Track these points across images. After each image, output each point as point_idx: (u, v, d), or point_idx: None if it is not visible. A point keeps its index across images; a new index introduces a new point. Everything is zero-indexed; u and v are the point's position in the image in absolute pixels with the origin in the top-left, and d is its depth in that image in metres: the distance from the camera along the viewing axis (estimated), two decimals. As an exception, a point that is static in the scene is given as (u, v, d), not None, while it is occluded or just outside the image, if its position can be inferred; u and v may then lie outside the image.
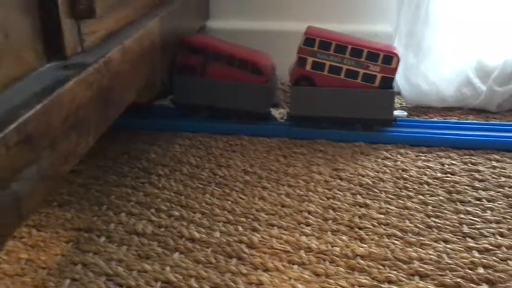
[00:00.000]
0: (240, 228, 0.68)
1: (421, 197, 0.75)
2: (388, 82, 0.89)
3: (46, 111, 0.44)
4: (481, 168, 0.82)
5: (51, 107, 0.44)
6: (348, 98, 0.90)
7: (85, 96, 0.52)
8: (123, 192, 0.77)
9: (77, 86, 0.50)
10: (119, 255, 0.63)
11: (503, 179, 0.79)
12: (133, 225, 0.69)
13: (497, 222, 0.68)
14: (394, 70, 0.89)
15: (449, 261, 0.61)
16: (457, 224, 0.68)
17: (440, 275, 0.59)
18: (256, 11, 1.18)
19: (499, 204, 0.73)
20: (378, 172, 0.82)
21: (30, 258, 0.63)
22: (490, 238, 0.65)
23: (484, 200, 0.74)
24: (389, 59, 0.89)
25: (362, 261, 0.62)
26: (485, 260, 0.61)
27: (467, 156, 0.87)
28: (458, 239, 0.65)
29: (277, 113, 0.98)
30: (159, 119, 0.99)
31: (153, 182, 0.80)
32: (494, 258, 0.61)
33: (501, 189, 0.76)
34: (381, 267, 0.60)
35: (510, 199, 0.74)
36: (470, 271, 0.59)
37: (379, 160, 0.86)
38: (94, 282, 0.59)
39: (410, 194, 0.76)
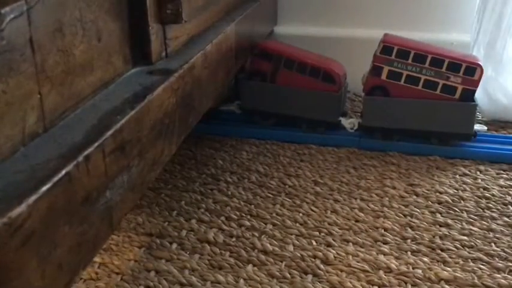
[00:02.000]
0: (314, 243, 0.66)
1: (506, 219, 0.71)
2: (469, 95, 0.85)
3: (138, 118, 0.43)
4: None
5: (142, 113, 0.44)
6: (425, 110, 0.86)
7: (170, 103, 0.51)
8: (193, 198, 0.77)
9: (163, 92, 0.49)
10: (191, 264, 0.62)
11: None
12: (204, 233, 0.68)
13: None
14: (477, 82, 0.84)
15: (543, 292, 0.57)
16: (549, 251, 0.64)
17: (534, 307, 0.55)
18: (325, 16, 1.16)
19: None
20: (457, 190, 0.78)
21: (104, 262, 0.62)
22: None
23: None
24: (472, 71, 0.84)
25: (447, 286, 0.58)
26: None
27: (554, 177, 0.81)
28: (551, 267, 0.61)
29: (347, 123, 0.95)
30: (225, 125, 0.98)
31: (221, 189, 0.79)
32: None
33: None
34: (467, 293, 0.57)
35: None
36: None
37: (457, 177, 0.82)
38: (168, 291, 0.58)
39: (494, 215, 0.72)
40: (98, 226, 0.37)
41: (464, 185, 0.79)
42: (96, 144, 0.36)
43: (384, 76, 0.88)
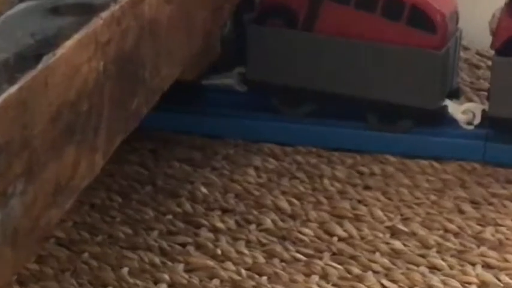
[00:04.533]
0: None
1: None
2: None
3: (23, 101, 0.44)
4: None
5: (33, 92, 0.45)
6: None
7: (93, 71, 0.52)
8: (146, 261, 0.78)
9: (79, 50, 0.50)
10: None
11: None
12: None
13: None
14: None
15: None
16: None
17: None
18: None
19: None
20: None
21: None
22: None
23: None
24: None
25: None
26: None
27: None
28: None
29: (461, 111, 0.96)
30: (214, 115, 1.00)
31: (202, 244, 0.80)
32: None
33: None
34: None
35: None
36: None
37: None
38: None
39: None
40: None
41: None
42: None
43: (533, 17, 0.89)
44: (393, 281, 0.75)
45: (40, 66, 0.46)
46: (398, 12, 0.93)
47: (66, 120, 0.49)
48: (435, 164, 0.93)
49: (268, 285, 0.74)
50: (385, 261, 0.77)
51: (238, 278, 0.75)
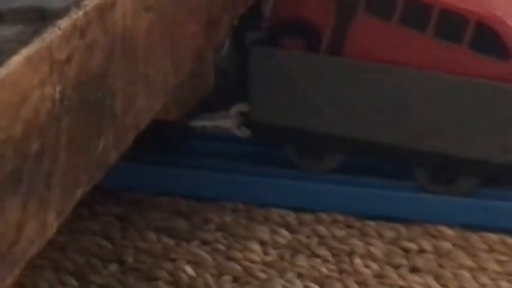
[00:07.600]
0: None
1: None
2: None
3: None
4: None
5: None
6: None
7: (47, 99, 0.53)
8: None
9: (26, 69, 0.51)
10: None
11: None
12: None
13: None
14: None
15: None
16: None
17: None
18: None
19: None
20: None
21: None
22: None
23: None
24: None
25: None
26: None
27: None
28: None
29: None
30: (205, 170, 1.02)
31: None
32: None
33: None
34: None
35: None
36: None
37: None
38: None
39: None
40: None
41: None
42: None
43: None
44: None
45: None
46: (460, 30, 0.94)
47: (9, 164, 0.50)
48: (508, 239, 0.94)
49: None
50: None
51: None
